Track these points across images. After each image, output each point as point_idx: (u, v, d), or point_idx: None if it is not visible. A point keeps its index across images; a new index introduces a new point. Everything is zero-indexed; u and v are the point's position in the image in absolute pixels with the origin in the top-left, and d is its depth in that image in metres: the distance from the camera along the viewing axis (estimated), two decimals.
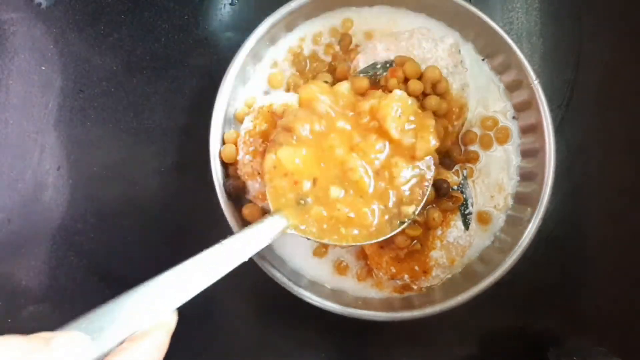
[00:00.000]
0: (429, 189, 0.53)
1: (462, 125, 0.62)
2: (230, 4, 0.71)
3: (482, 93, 0.64)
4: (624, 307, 0.67)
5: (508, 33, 0.62)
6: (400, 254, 0.58)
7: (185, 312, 0.67)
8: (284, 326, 0.67)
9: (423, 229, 0.57)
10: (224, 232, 0.61)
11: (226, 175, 0.62)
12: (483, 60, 0.64)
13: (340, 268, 0.62)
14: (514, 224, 0.61)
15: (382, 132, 0.52)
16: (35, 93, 0.70)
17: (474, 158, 0.62)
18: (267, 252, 0.62)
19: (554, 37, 0.70)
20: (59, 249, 0.68)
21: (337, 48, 0.65)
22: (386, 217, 0.52)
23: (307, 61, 0.65)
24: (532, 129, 0.62)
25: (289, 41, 0.65)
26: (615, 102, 0.69)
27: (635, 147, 0.69)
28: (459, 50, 0.62)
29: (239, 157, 0.60)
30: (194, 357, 0.67)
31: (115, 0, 0.71)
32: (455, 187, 0.59)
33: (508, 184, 0.63)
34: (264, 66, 0.65)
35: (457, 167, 0.62)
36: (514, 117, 0.63)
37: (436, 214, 0.57)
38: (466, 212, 0.60)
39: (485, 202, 0.62)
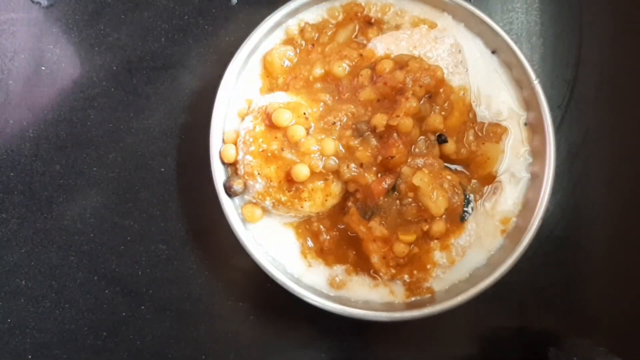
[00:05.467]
0: None
1: (465, 124, 0.62)
2: (230, 4, 0.71)
3: (491, 88, 0.63)
4: (624, 307, 0.67)
5: (508, 33, 0.62)
6: (401, 261, 0.58)
7: (186, 313, 0.67)
8: (284, 326, 0.67)
9: (423, 237, 0.58)
10: (224, 232, 0.61)
11: (226, 175, 0.62)
12: (493, 53, 0.64)
13: (335, 284, 0.62)
14: (515, 224, 0.61)
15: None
16: (36, 93, 0.70)
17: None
18: (267, 254, 0.62)
19: (554, 37, 0.70)
20: (59, 248, 0.68)
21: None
22: None
23: (313, 32, 0.65)
24: (532, 129, 0.62)
25: (287, 25, 0.66)
26: (615, 101, 0.69)
27: (635, 147, 0.69)
28: (459, 50, 0.62)
29: (239, 157, 0.60)
30: (194, 357, 0.67)
31: (115, 0, 0.71)
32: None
33: (519, 185, 0.62)
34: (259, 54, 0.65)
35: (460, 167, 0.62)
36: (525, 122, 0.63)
37: (440, 226, 0.57)
38: (466, 209, 0.59)
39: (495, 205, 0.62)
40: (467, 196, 0.60)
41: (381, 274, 0.59)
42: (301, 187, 0.58)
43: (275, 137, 0.58)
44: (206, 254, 0.68)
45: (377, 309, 0.59)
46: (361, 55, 0.62)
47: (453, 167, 0.62)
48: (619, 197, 0.68)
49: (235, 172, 0.61)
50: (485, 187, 0.62)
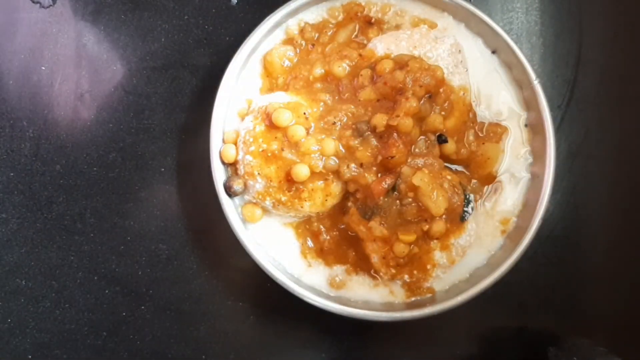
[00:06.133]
0: None
1: (465, 124, 0.62)
2: (230, 4, 0.71)
3: (491, 88, 0.63)
4: (624, 307, 0.67)
5: (508, 33, 0.62)
6: (401, 261, 0.58)
7: (186, 312, 0.67)
8: (284, 326, 0.67)
9: (423, 237, 0.58)
10: (224, 231, 0.61)
11: (226, 175, 0.62)
12: (493, 53, 0.64)
13: (335, 284, 0.62)
14: (515, 224, 0.61)
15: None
16: (35, 93, 0.70)
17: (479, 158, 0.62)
18: (267, 254, 0.62)
19: (554, 37, 0.70)
20: (59, 248, 0.68)
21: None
22: None
23: (313, 32, 0.65)
24: (533, 129, 0.62)
25: (286, 25, 0.66)
26: (615, 102, 0.69)
27: (635, 147, 0.69)
28: (459, 50, 0.62)
29: (239, 157, 0.60)
30: (194, 357, 0.67)
31: (115, 0, 0.71)
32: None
33: (519, 185, 0.62)
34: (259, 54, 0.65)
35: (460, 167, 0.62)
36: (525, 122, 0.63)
37: (440, 226, 0.57)
38: (466, 209, 0.59)
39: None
40: (467, 196, 0.60)
41: (381, 274, 0.59)
42: (301, 187, 0.58)
43: (275, 137, 0.58)
44: (206, 254, 0.68)
45: (377, 309, 0.59)
46: (361, 55, 0.62)
47: (453, 167, 0.62)
48: (619, 197, 0.68)
49: (235, 172, 0.61)
50: (485, 187, 0.62)
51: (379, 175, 0.58)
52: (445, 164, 0.60)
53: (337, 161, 0.58)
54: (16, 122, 0.69)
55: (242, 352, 0.67)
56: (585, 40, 0.69)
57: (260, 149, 0.58)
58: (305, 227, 0.63)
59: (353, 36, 0.65)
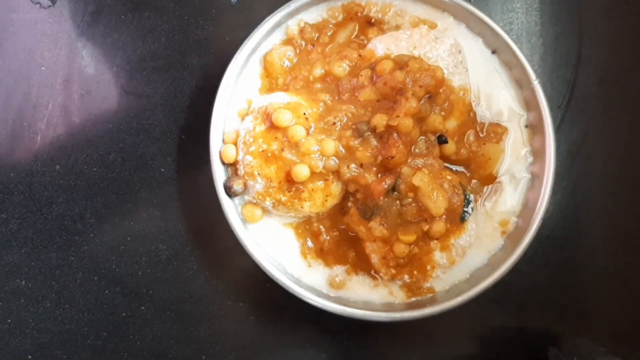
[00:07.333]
0: None
1: (465, 125, 0.62)
2: (230, 4, 0.71)
3: (491, 88, 0.63)
4: (624, 307, 0.67)
5: (508, 33, 0.62)
6: (401, 261, 0.58)
7: (186, 313, 0.67)
8: (284, 326, 0.67)
9: (423, 237, 0.58)
10: (224, 231, 0.61)
11: (226, 175, 0.62)
12: (493, 53, 0.64)
13: (335, 284, 0.62)
14: (515, 224, 0.61)
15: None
16: (36, 93, 0.70)
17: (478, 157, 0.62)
18: (267, 254, 0.62)
19: (554, 37, 0.70)
20: (59, 249, 0.68)
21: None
22: None
23: (312, 33, 0.65)
24: (533, 129, 0.62)
25: (286, 26, 0.66)
26: (615, 102, 0.69)
27: (635, 147, 0.69)
28: (459, 51, 0.62)
29: (239, 157, 0.60)
30: (194, 357, 0.67)
31: (115, 0, 0.71)
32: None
33: (519, 186, 0.62)
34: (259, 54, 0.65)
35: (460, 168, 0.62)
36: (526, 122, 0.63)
37: (440, 226, 0.57)
38: (466, 209, 0.59)
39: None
40: (467, 196, 0.60)
41: (381, 274, 0.59)
42: (301, 187, 0.58)
43: (276, 138, 0.58)
44: (206, 254, 0.68)
45: (377, 309, 0.59)
46: (361, 55, 0.62)
47: (453, 167, 0.62)
48: (619, 197, 0.68)
49: (235, 172, 0.61)
50: (485, 187, 0.62)
51: (379, 175, 0.58)
52: (446, 164, 0.60)
53: (337, 161, 0.58)
54: (16, 122, 0.69)
55: (242, 352, 0.67)
56: (585, 40, 0.69)
57: (260, 149, 0.58)
58: (305, 227, 0.63)
59: (353, 36, 0.65)
